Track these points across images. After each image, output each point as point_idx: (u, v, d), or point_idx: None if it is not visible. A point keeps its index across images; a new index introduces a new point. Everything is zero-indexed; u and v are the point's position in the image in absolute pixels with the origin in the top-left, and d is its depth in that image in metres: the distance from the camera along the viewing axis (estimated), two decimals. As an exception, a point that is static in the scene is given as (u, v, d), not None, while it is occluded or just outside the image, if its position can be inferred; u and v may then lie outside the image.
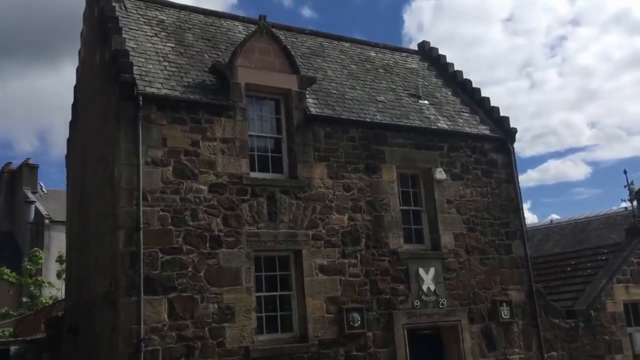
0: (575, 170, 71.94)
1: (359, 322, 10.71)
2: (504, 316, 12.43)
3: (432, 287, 11.77)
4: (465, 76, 15.36)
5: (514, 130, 13.95)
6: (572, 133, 72.33)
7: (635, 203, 25.62)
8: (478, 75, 76.05)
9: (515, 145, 14.00)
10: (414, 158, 12.46)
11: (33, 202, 26.27)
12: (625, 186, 16.33)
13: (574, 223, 30.33)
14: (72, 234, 13.95)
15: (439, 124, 13.16)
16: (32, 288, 20.32)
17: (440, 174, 12.54)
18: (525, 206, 69.01)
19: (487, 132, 13.76)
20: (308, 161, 11.12)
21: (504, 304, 12.51)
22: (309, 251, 10.65)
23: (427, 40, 16.96)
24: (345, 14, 73.38)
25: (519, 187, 13.71)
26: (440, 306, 11.77)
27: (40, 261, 21.32)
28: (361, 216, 11.40)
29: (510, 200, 13.49)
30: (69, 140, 15.12)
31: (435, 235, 12.30)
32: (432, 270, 11.86)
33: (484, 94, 14.72)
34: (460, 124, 13.61)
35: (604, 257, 15.79)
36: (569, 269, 16.35)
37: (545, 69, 75.18)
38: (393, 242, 11.61)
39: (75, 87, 14.70)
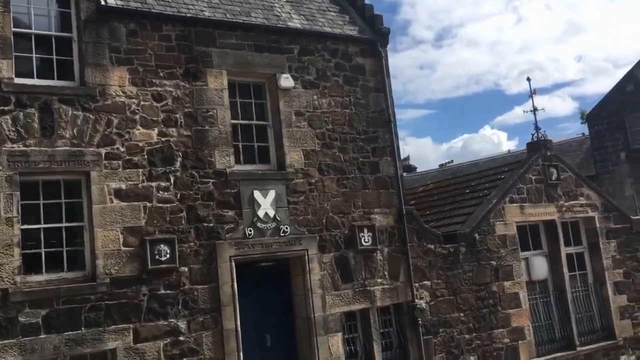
0: (562, 105, 70.28)
1: (168, 256, 8.97)
2: (364, 243, 10.80)
3: (272, 213, 10.04)
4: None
5: (386, 30, 11.92)
6: (558, 67, 70.20)
7: (587, 128, 24.54)
8: (463, 10, 73.27)
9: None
10: (253, 62, 10.44)
11: None
12: (529, 96, 14.44)
13: (528, 152, 28.94)
14: None
15: (289, 23, 11.08)
16: None
17: (286, 80, 10.58)
18: (513, 143, 68.24)
19: (353, 32, 11.72)
20: (102, 64, 9.05)
21: (365, 230, 10.86)
22: (101, 173, 8.76)
23: None
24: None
25: (391, 96, 11.83)
26: (282, 234, 10.07)
27: None
28: (177, 131, 9.49)
29: (380, 111, 11.65)
30: None
31: (281, 153, 10.48)
32: (271, 194, 10.10)
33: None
34: (320, 24, 11.53)
35: (502, 176, 14.18)
36: (467, 190, 14.77)
37: (532, 2, 72.26)
38: (220, 162, 9.76)
39: None
